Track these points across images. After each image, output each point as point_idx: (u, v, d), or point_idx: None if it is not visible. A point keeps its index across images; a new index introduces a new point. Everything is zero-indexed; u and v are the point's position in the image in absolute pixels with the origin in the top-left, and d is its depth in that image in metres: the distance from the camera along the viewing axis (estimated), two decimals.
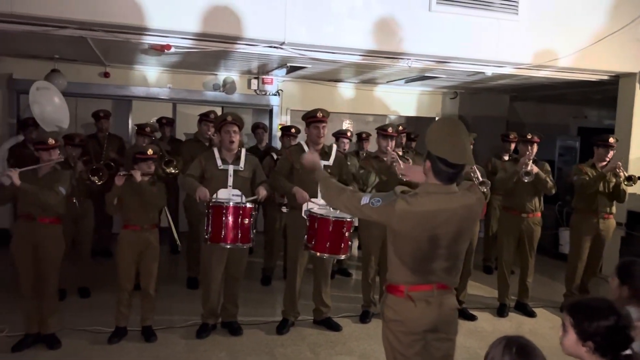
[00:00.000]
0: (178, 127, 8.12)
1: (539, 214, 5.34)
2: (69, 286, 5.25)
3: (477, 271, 6.63)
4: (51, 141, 4.13)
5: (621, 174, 5.24)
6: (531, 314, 5.37)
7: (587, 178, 5.30)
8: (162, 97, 7.90)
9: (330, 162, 4.62)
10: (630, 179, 5.27)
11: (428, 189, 2.47)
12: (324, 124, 4.60)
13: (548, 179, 5.15)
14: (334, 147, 4.81)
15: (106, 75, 7.52)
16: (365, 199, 2.51)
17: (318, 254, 4.21)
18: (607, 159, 5.36)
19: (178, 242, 5.63)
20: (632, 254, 5.46)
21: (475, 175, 4.87)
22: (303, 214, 4.36)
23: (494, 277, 5.61)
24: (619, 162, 5.29)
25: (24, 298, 4.14)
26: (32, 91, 5.69)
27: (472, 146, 5.15)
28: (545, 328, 5.04)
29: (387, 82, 8.28)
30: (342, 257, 4.46)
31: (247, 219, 4.18)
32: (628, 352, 1.84)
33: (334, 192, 2.66)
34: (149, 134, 5.89)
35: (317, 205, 4.38)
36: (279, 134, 7.01)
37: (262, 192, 4.37)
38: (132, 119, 8.13)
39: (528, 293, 5.45)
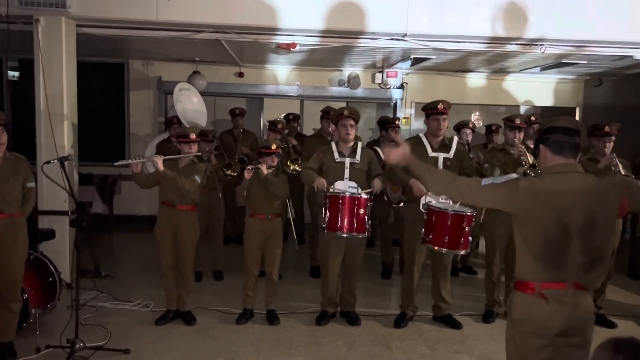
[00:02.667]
0: (305, 122, 8.42)
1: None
2: (205, 269, 5.74)
3: (620, 275, 6.02)
4: (192, 135, 4.54)
5: None
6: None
7: None
8: (291, 94, 8.25)
9: (451, 154, 4.48)
10: None
11: (551, 169, 2.35)
12: (444, 116, 4.47)
13: None
14: (455, 138, 4.66)
15: (241, 75, 8.05)
16: (486, 181, 2.44)
17: (436, 248, 4.13)
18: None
19: (295, 236, 5.84)
20: None
21: (617, 169, 4.44)
22: (421, 208, 4.29)
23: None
24: None
25: (165, 277, 4.61)
26: (176, 91, 6.28)
27: (614, 137, 4.68)
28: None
29: (520, 70, 7.79)
30: (462, 252, 4.33)
31: (362, 209, 4.24)
32: None
33: (447, 179, 2.54)
34: (280, 130, 6.18)
35: (434, 200, 4.28)
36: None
37: (378, 184, 4.38)
38: (263, 116, 8.61)
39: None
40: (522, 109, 8.58)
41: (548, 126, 2.38)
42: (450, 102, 4.56)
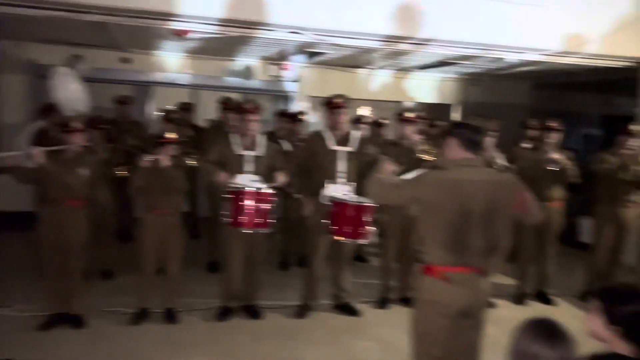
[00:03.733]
0: (198, 113, 8.15)
1: (560, 202, 5.29)
2: (93, 269, 5.35)
3: None
4: (77, 124, 4.19)
5: None
6: (550, 302, 5.35)
7: (608, 166, 5.21)
8: (183, 83, 7.94)
9: (352, 148, 4.61)
10: None
11: (457, 162, 2.56)
12: (343, 110, 4.57)
13: (573, 167, 5.09)
14: (356, 132, 4.80)
15: (126, 60, 7.56)
16: (400, 181, 2.63)
17: (339, 238, 4.24)
18: (631, 147, 5.27)
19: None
20: None
21: (499, 164, 4.86)
22: (320, 200, 4.38)
23: (514, 266, 5.57)
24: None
25: (51, 279, 4.23)
26: (53, 77, 5.76)
27: (496, 133, 5.11)
28: (566, 316, 5.00)
29: (409, 68, 8.21)
30: (363, 241, 4.48)
31: (265, 205, 4.21)
32: None
33: (383, 189, 2.72)
34: (176, 119, 5.87)
35: (336, 192, 4.40)
36: None
37: (281, 178, 4.39)
38: (152, 105, 8.19)
39: (548, 281, 5.42)
40: (407, 105, 9.03)
41: (459, 122, 2.54)
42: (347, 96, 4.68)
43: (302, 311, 4.75)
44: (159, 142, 4.39)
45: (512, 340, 1.78)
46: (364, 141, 4.74)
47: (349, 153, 4.55)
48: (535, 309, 5.19)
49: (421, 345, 2.61)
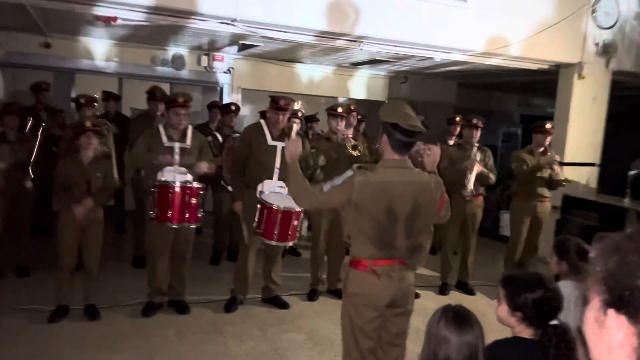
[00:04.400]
0: (124, 102, 7.87)
1: (480, 197, 5.55)
2: (7, 265, 5.06)
3: None
4: None
5: (557, 170, 5.47)
6: (471, 292, 5.62)
7: (525, 167, 5.52)
8: (108, 71, 7.62)
9: None
10: (567, 181, 5.64)
11: (385, 163, 2.62)
12: (285, 112, 4.54)
13: (490, 175, 5.35)
14: (295, 127, 4.80)
15: (47, 45, 7.16)
16: (326, 186, 2.64)
17: (266, 240, 4.24)
18: (545, 144, 5.61)
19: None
20: None
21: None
22: (257, 194, 4.36)
23: (438, 258, 5.81)
24: (557, 159, 5.56)
25: None
26: None
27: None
28: (484, 305, 5.27)
29: (340, 64, 8.31)
30: (290, 244, 4.50)
31: (194, 199, 4.15)
32: (554, 322, 1.98)
33: (301, 190, 2.70)
34: (88, 105, 5.55)
35: (270, 188, 4.39)
36: None
37: (202, 166, 4.33)
38: (75, 93, 7.80)
39: (469, 272, 5.69)
40: (340, 100, 9.16)
41: (393, 121, 2.54)
42: (277, 90, 4.68)
43: (230, 305, 4.71)
44: (78, 131, 4.18)
45: (427, 325, 1.87)
46: (299, 136, 4.75)
47: (284, 148, 4.54)
48: (456, 299, 5.43)
49: (351, 337, 2.67)
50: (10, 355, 3.65)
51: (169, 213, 4.10)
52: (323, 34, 5.64)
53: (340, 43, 5.89)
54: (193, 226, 4.31)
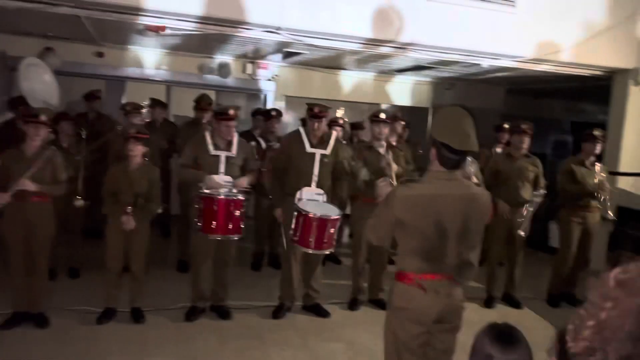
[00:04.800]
0: (172, 109, 8.08)
1: (526, 209, 5.35)
2: (59, 266, 5.25)
3: None
4: (42, 117, 4.05)
5: (607, 190, 5.29)
6: (518, 306, 5.43)
7: (570, 187, 5.34)
8: (157, 79, 7.84)
9: (328, 150, 4.63)
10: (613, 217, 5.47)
11: (432, 175, 2.53)
12: (320, 119, 4.57)
13: (538, 195, 5.19)
14: (334, 134, 4.81)
15: (100, 55, 7.44)
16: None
17: (302, 248, 4.23)
18: (595, 153, 5.39)
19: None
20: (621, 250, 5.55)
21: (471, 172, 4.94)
22: (295, 201, 4.38)
23: (483, 269, 5.65)
24: (603, 175, 5.33)
25: (14, 276, 4.13)
26: (22, 68, 5.63)
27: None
28: (531, 320, 5.10)
29: (383, 71, 8.25)
30: (327, 252, 4.45)
31: (238, 211, 4.19)
32: None
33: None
34: (135, 112, 5.73)
35: (309, 195, 4.39)
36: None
37: (242, 183, 4.40)
38: (125, 100, 8.06)
39: (515, 285, 5.51)
40: (383, 107, 9.09)
41: (444, 142, 2.45)
42: (321, 97, 4.70)
43: (278, 311, 4.73)
44: (128, 137, 4.31)
45: (473, 342, 1.81)
46: (339, 144, 4.75)
47: (323, 156, 4.56)
48: (502, 312, 5.27)
49: (393, 352, 2.59)
50: (58, 354, 3.78)
51: (213, 224, 4.15)
52: (368, 41, 5.62)
53: (384, 50, 5.84)
54: (236, 238, 4.34)
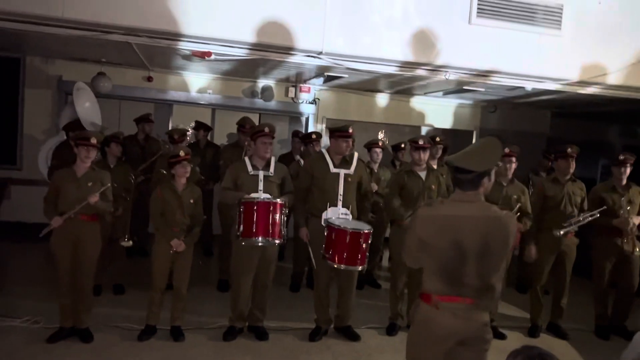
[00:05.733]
0: (216, 132, 8.29)
1: (574, 234, 5.17)
2: (105, 282, 5.42)
3: (509, 289, 6.48)
4: (93, 140, 4.25)
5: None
6: (564, 336, 5.22)
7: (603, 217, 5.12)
8: (202, 103, 8.09)
9: (351, 170, 4.68)
10: None
11: (454, 197, 2.61)
12: (348, 139, 4.65)
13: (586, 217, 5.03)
14: (356, 155, 4.84)
15: (149, 79, 7.75)
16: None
17: (335, 265, 4.22)
18: (624, 177, 5.21)
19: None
20: None
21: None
22: (322, 223, 4.40)
23: (528, 297, 5.48)
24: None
25: (61, 293, 4.29)
26: (74, 92, 5.95)
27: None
28: (575, 352, 4.89)
29: (425, 93, 8.23)
30: (359, 268, 4.40)
31: (277, 215, 4.24)
32: None
33: (411, 253, 2.76)
34: (180, 140, 5.93)
35: (335, 214, 4.42)
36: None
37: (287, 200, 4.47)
38: (172, 123, 8.35)
39: (562, 314, 5.30)
40: (424, 130, 9.05)
41: (455, 165, 2.54)
42: (360, 120, 4.75)
43: (314, 335, 4.72)
44: (173, 161, 4.45)
45: None
46: (360, 163, 4.79)
47: (347, 175, 4.59)
48: (547, 342, 5.06)
49: None
50: None
51: (254, 228, 4.20)
52: (406, 64, 5.63)
53: (424, 73, 5.83)
54: (277, 242, 4.34)
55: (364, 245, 4.17)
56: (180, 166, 4.42)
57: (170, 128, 8.29)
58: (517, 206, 4.93)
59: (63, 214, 4.15)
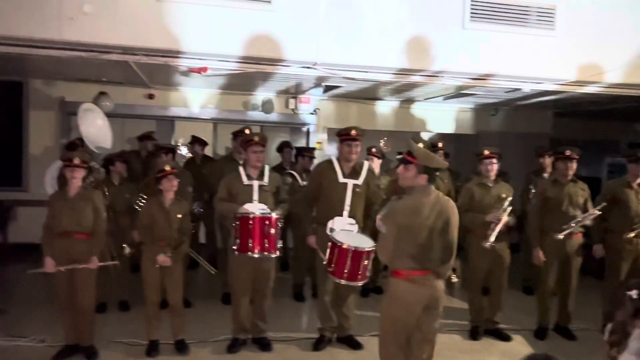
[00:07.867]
0: (218, 146, 8.35)
1: (580, 234, 5.12)
2: (110, 299, 5.45)
3: (516, 291, 6.43)
4: (76, 160, 4.24)
5: None
6: (572, 337, 5.16)
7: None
8: (203, 117, 8.15)
9: (360, 181, 4.63)
10: None
11: (416, 190, 3.22)
12: (357, 142, 4.60)
13: (589, 217, 4.97)
14: (366, 164, 4.80)
15: (151, 96, 7.84)
16: (382, 228, 3.24)
17: (336, 279, 4.20)
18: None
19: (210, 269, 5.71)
20: None
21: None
22: (327, 231, 4.39)
23: (534, 299, 5.43)
24: None
25: (60, 311, 4.32)
26: (79, 113, 6.01)
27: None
28: (584, 352, 4.82)
29: (425, 99, 8.24)
30: (360, 284, 4.36)
31: (273, 229, 4.25)
32: None
33: (378, 249, 3.40)
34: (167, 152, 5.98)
35: (341, 225, 4.40)
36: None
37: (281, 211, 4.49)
38: (174, 138, 8.41)
39: (569, 315, 5.24)
40: (426, 136, 9.04)
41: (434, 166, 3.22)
42: (362, 129, 4.72)
43: (318, 344, 4.71)
44: (159, 176, 4.46)
45: None
46: (370, 174, 4.75)
47: (355, 186, 4.57)
48: (555, 344, 5.01)
49: (388, 334, 3.27)
50: None
51: (250, 242, 4.22)
52: (402, 71, 5.66)
53: (417, 78, 5.85)
54: (273, 256, 4.37)
55: (365, 262, 4.13)
56: (166, 180, 4.42)
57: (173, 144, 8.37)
58: (508, 201, 4.89)
59: (60, 232, 4.19)
